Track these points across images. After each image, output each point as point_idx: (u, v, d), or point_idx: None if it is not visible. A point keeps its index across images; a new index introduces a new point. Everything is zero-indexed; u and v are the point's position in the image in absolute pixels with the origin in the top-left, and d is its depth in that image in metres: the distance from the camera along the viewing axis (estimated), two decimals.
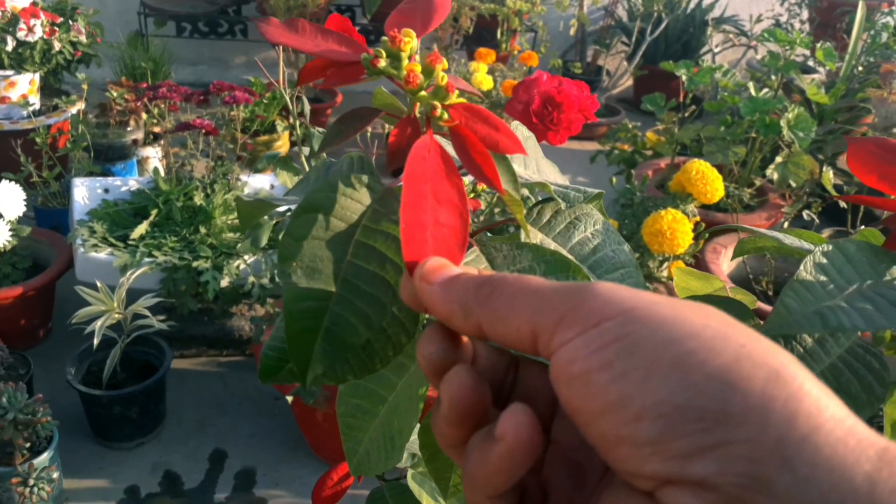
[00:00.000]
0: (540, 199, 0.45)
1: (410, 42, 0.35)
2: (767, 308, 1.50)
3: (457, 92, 0.34)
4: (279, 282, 1.64)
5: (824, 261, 0.39)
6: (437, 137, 0.34)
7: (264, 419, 1.63)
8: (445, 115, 0.35)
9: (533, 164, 0.47)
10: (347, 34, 0.61)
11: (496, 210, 1.09)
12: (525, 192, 0.56)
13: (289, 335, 0.31)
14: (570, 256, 0.40)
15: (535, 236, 0.42)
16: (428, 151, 0.34)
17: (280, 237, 0.31)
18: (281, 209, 1.74)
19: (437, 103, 0.35)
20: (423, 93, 0.35)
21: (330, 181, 0.34)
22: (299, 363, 0.31)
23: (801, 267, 0.39)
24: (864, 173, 0.42)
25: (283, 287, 0.31)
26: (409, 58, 0.35)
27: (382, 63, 0.35)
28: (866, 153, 0.42)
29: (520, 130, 0.46)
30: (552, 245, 0.41)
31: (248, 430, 1.61)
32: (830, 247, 0.40)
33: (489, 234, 0.47)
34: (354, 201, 0.34)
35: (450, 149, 0.38)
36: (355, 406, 0.48)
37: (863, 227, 1.92)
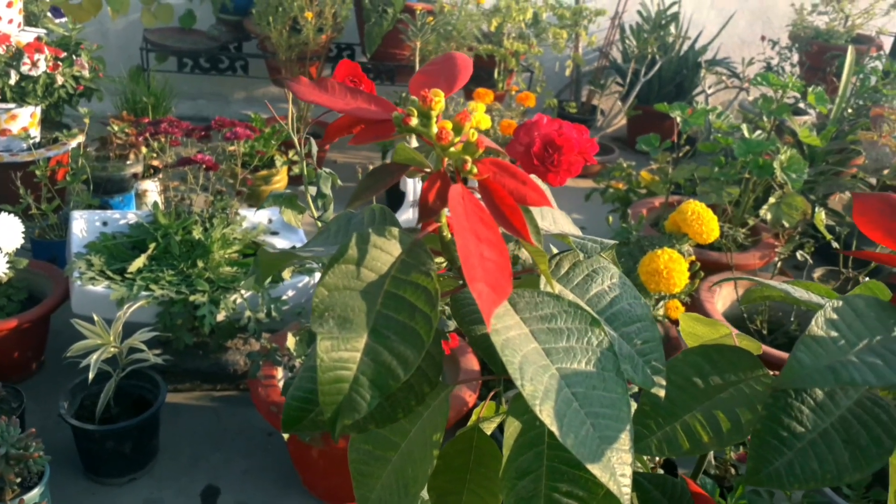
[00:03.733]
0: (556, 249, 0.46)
1: (440, 102, 0.37)
2: (772, 352, 1.51)
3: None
4: (276, 315, 1.65)
5: (835, 316, 0.40)
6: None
7: (258, 455, 1.62)
8: (475, 170, 0.36)
9: (549, 215, 0.48)
10: (357, 79, 0.62)
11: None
12: None
13: (321, 384, 0.32)
14: (588, 308, 0.41)
15: (553, 287, 0.43)
16: (462, 198, 0.36)
17: (314, 288, 0.32)
18: (280, 244, 1.73)
19: (467, 158, 0.36)
20: (453, 149, 0.36)
21: (362, 233, 0.35)
22: (330, 411, 0.32)
23: (813, 322, 0.40)
24: (871, 229, 0.44)
25: (318, 336, 0.31)
26: (437, 116, 0.37)
27: (414, 121, 0.36)
28: (872, 209, 0.44)
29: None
30: (570, 296, 0.42)
31: (242, 465, 1.59)
32: (841, 302, 0.41)
33: None
34: (385, 252, 0.35)
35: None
36: (367, 453, 0.48)
37: (857, 271, 1.91)
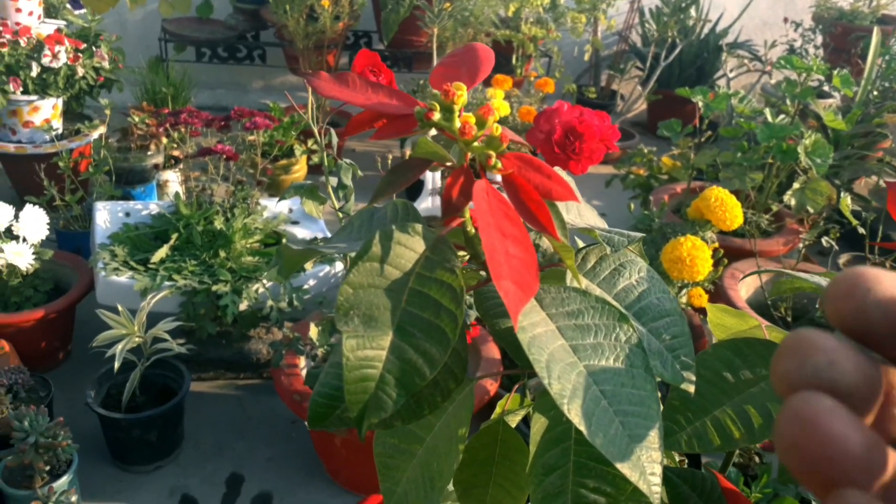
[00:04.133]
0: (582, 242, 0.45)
1: (462, 96, 0.36)
2: None
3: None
4: (297, 304, 1.65)
5: None
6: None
7: (281, 443, 1.63)
8: (499, 165, 0.35)
9: (574, 208, 0.47)
10: (377, 69, 0.61)
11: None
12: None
13: (347, 383, 0.31)
14: (615, 303, 0.41)
15: (580, 282, 0.42)
16: (487, 194, 0.35)
17: (340, 284, 0.32)
18: (301, 234, 1.72)
19: (491, 153, 0.35)
20: (476, 143, 0.36)
21: (385, 230, 0.34)
22: (356, 410, 0.32)
23: None
24: None
25: (343, 335, 0.31)
26: (460, 111, 0.36)
27: (436, 116, 0.36)
28: None
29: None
30: (597, 291, 0.42)
31: (265, 454, 1.60)
32: None
33: None
34: (409, 249, 0.35)
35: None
36: (392, 446, 0.48)
37: (884, 257, 1.87)
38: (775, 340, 0.54)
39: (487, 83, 2.48)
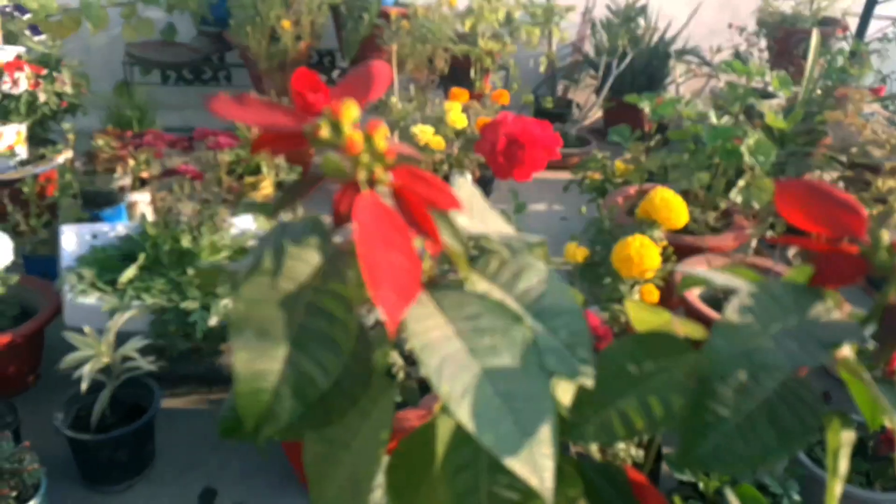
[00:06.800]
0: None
1: (350, 112, 0.38)
2: None
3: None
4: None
5: (751, 301, 0.42)
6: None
7: (254, 455, 1.63)
8: (385, 178, 0.37)
9: (479, 215, 0.50)
10: (314, 88, 0.64)
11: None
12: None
13: (239, 397, 0.33)
14: (514, 305, 0.43)
15: (481, 286, 0.44)
16: (373, 206, 0.37)
17: (231, 302, 0.34)
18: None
19: (377, 167, 0.38)
20: (364, 158, 0.38)
21: (278, 244, 0.36)
22: (251, 423, 0.33)
23: (729, 307, 0.41)
24: (790, 213, 0.45)
25: (234, 349, 0.33)
26: (353, 125, 0.38)
27: (324, 133, 0.38)
28: (792, 195, 0.45)
29: (465, 187, 0.49)
30: (498, 294, 0.44)
31: (239, 466, 1.60)
32: (757, 287, 0.43)
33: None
34: (304, 263, 0.37)
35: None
36: (320, 455, 0.50)
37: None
38: (689, 333, 0.57)
39: (448, 96, 2.52)
